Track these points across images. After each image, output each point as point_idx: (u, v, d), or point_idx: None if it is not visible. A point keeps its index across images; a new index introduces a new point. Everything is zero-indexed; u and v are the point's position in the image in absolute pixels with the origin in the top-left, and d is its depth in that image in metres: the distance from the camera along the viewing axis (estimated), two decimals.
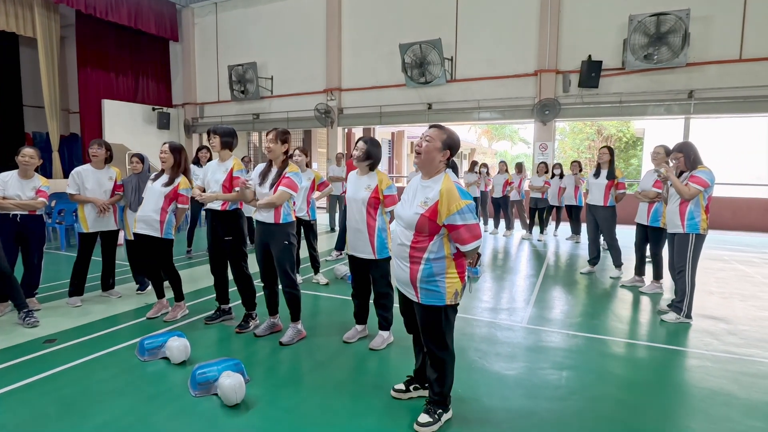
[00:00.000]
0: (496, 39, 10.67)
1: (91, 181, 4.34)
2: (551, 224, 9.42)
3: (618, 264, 5.71)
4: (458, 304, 2.34)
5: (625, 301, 4.74)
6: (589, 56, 9.65)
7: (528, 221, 9.03)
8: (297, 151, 4.98)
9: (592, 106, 10.03)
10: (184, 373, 2.92)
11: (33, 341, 3.44)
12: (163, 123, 14.40)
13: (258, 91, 13.19)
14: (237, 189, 3.56)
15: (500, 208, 9.43)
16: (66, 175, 4.40)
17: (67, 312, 4.15)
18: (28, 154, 4.11)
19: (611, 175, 5.55)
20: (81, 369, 3.01)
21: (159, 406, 2.56)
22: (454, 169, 2.38)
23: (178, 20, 14.28)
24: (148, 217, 3.88)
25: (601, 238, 6.26)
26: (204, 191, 3.75)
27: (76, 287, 4.38)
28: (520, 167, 9.47)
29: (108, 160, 4.50)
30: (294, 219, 3.48)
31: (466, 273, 2.31)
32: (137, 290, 4.78)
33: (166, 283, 4.17)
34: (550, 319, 4.15)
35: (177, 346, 3.10)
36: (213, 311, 4.01)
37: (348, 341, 3.50)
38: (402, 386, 2.68)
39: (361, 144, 3.27)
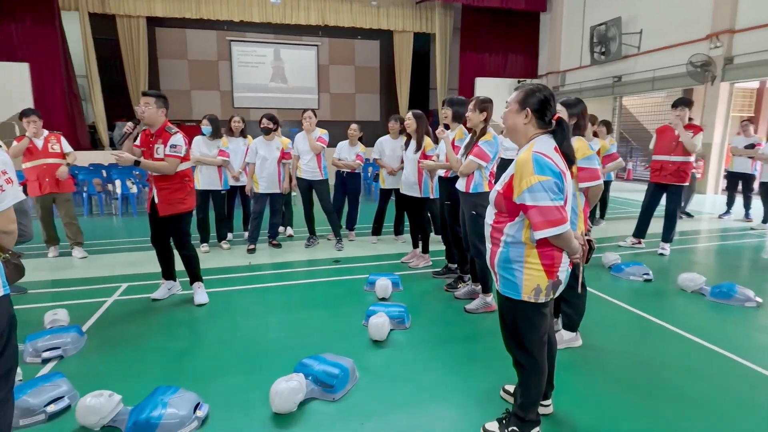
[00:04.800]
0: None
1: (388, 148, 5.53)
2: None
3: None
4: (542, 303, 1.88)
5: None
6: None
7: None
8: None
9: None
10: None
11: (326, 260, 4.96)
12: None
13: (620, 50, 11.76)
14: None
15: None
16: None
17: (362, 245, 5.60)
18: (353, 128, 5.69)
19: None
20: (331, 284, 4.20)
21: (337, 323, 3.33)
22: (560, 133, 1.83)
23: None
24: (408, 180, 4.66)
25: None
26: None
27: (376, 229, 5.80)
28: None
29: (401, 131, 5.57)
30: (487, 190, 3.39)
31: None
32: None
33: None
34: None
35: (381, 285, 3.80)
36: (442, 267, 4.46)
37: None
38: (511, 388, 2.37)
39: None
